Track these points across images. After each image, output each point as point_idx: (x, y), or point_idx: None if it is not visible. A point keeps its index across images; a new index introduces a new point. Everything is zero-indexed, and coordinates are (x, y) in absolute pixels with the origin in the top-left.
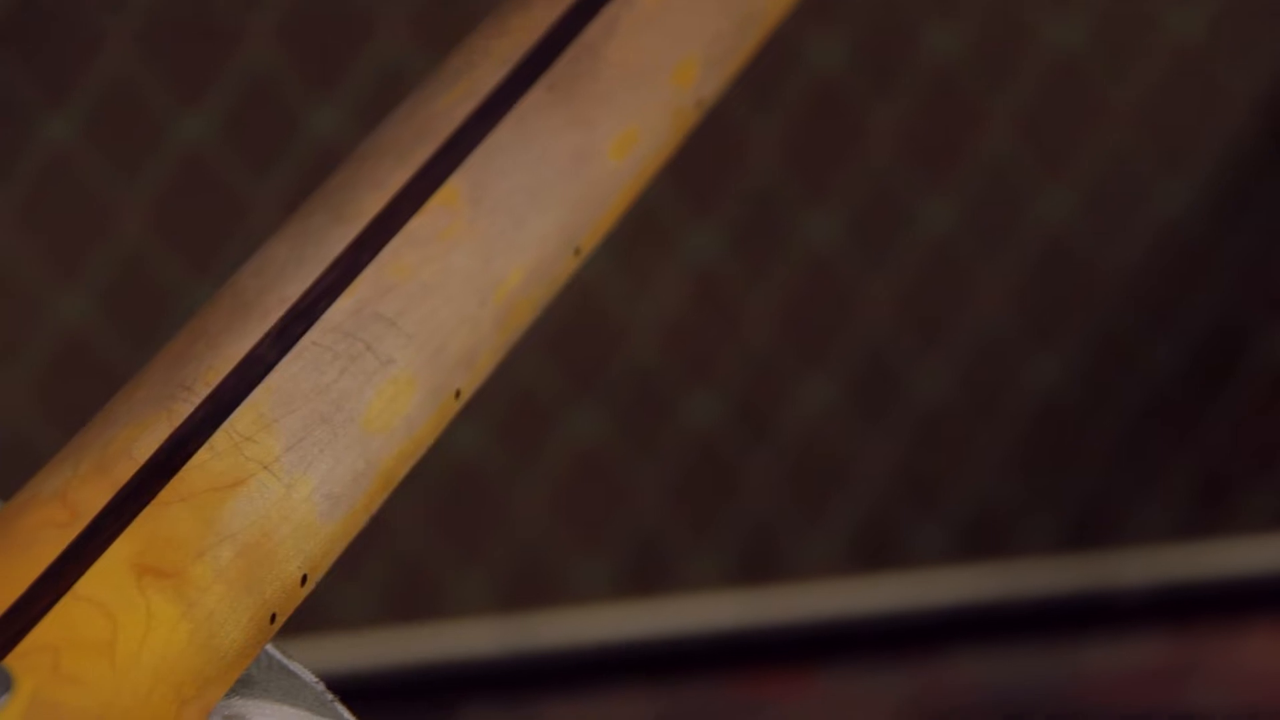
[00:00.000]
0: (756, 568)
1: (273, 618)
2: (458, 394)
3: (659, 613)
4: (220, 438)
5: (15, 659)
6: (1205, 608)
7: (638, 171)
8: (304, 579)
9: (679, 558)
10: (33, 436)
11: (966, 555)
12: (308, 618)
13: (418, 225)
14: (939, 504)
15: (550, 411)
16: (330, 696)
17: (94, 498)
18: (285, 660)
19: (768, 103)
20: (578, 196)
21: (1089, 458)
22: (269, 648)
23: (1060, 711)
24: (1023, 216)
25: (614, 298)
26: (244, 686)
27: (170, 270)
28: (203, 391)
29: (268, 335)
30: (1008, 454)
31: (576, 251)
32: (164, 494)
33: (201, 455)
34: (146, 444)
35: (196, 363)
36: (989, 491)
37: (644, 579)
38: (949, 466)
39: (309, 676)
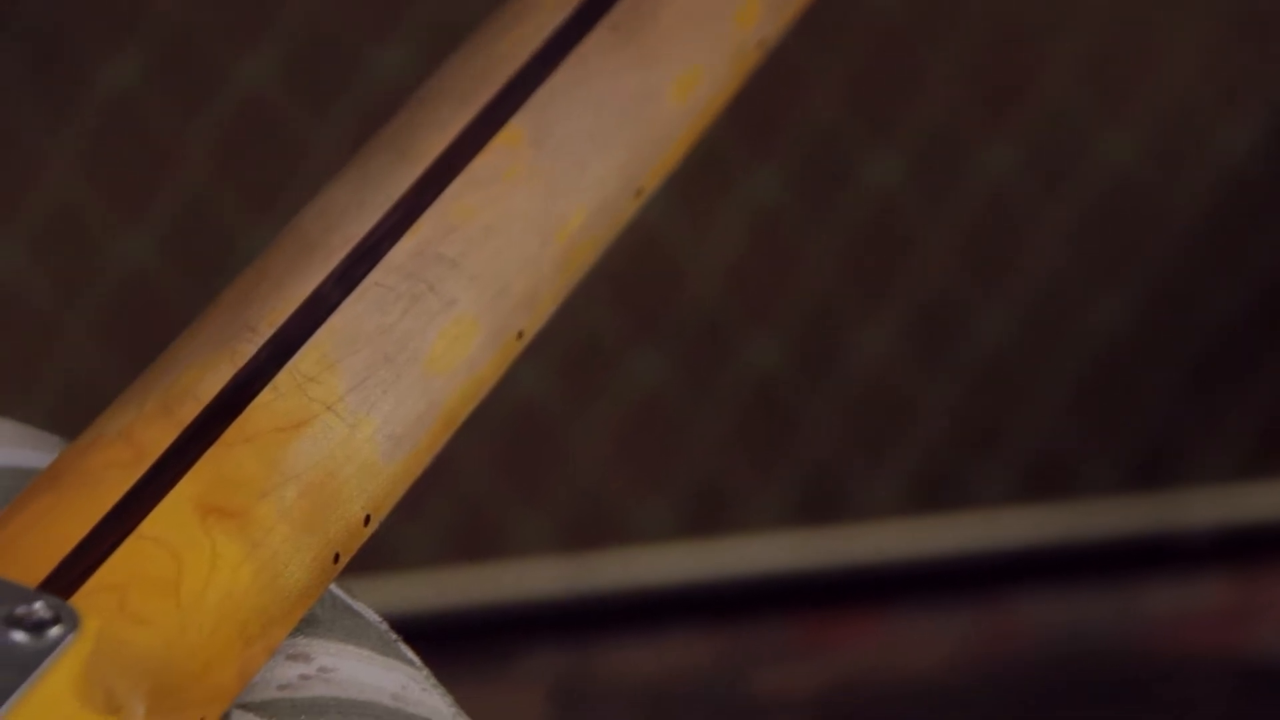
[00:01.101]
0: (817, 509)
1: (336, 558)
2: (520, 335)
3: (720, 554)
4: (284, 378)
5: (81, 598)
6: (1270, 548)
7: (699, 112)
8: (367, 519)
9: (740, 499)
10: (97, 378)
11: (1029, 497)
12: (371, 558)
13: (480, 167)
14: (1001, 445)
15: (611, 353)
16: (394, 636)
17: (158, 438)
18: (349, 600)
19: (829, 43)
20: (639, 138)
21: (1152, 398)
22: (333, 588)
23: (1123, 653)
24: (1084, 158)
25: (675, 240)
26: (308, 626)
27: (232, 212)
28: (266, 332)
29: (331, 276)
30: (1071, 395)
31: (638, 193)
32: (228, 434)
33: (265, 396)
34: (210, 384)
35: (260, 304)
36: (1052, 432)
37: (705, 520)
38: (1011, 407)
39: (373, 616)
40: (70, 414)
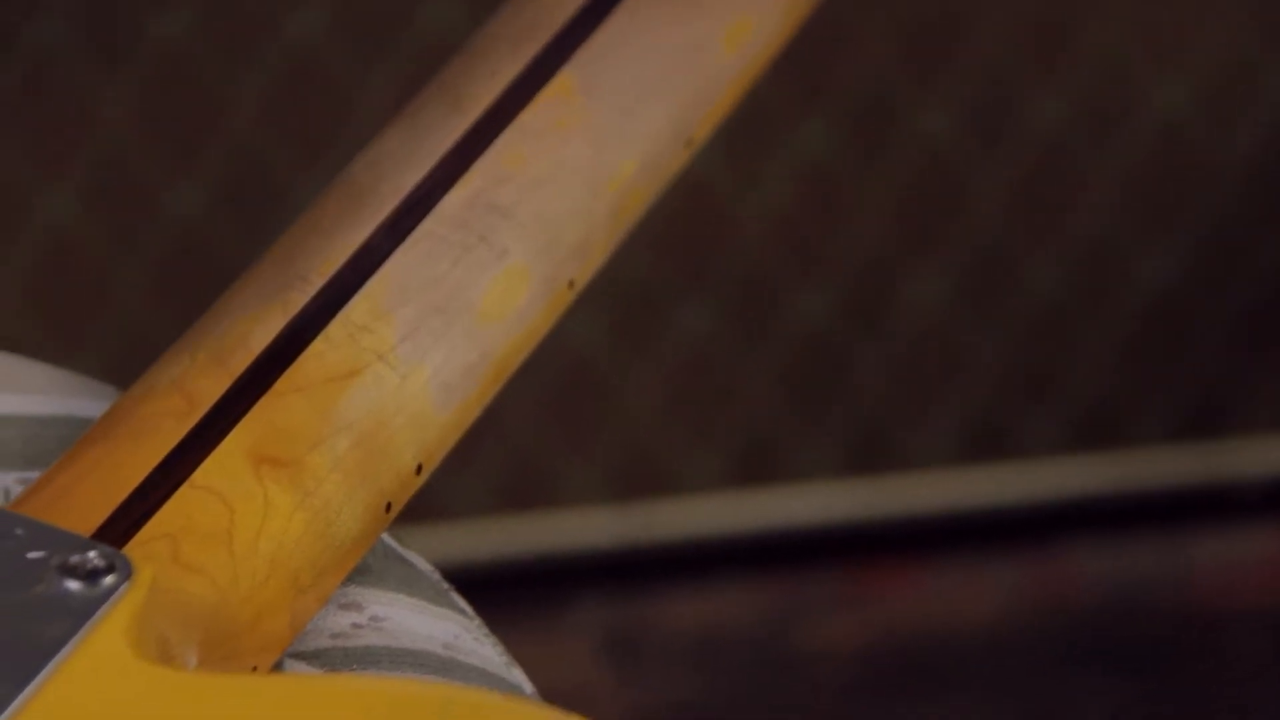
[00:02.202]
0: (866, 460)
1: (388, 507)
2: (571, 284)
3: (769, 505)
4: (335, 328)
5: (135, 547)
6: None
7: (750, 62)
8: (419, 468)
9: (789, 450)
10: (150, 328)
11: (1079, 447)
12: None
13: (531, 117)
14: (1051, 395)
15: (661, 304)
16: (446, 586)
17: (211, 388)
18: (401, 549)
19: None
20: (690, 88)
21: (1203, 348)
22: (385, 537)
23: (1173, 603)
24: (1136, 108)
25: (725, 190)
26: (360, 575)
27: (283, 162)
28: (317, 282)
29: (382, 226)
30: (1121, 345)
31: (689, 143)
32: (280, 384)
33: (317, 346)
34: (262, 335)
35: (311, 254)
36: (1102, 382)
37: (754, 471)
38: (1061, 357)
39: (425, 565)
40: (123, 364)
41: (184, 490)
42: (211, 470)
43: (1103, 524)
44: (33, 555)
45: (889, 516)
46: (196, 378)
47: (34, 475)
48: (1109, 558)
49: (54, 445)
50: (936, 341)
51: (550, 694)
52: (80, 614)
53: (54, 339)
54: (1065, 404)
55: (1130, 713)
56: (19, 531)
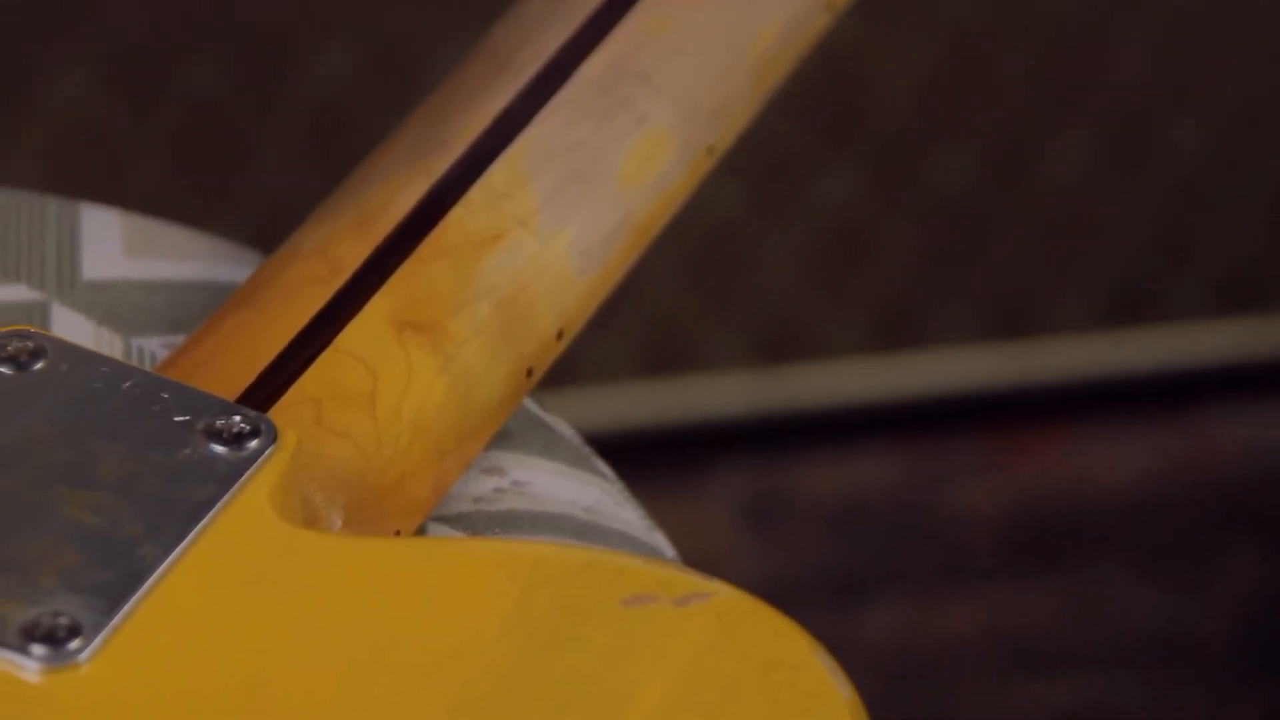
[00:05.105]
0: (1009, 325)
1: (529, 372)
2: (711, 149)
3: (910, 370)
4: (477, 194)
5: (279, 411)
6: None
7: None
8: (559, 334)
9: (931, 314)
10: (293, 193)
11: (1223, 311)
12: (564, 373)
13: None
14: (1196, 259)
15: (802, 169)
16: (587, 450)
17: (354, 253)
18: (543, 414)
19: None
20: None
21: None
22: (526, 402)
23: None
24: None
25: (866, 55)
26: (502, 440)
27: (424, 29)
28: (459, 148)
29: (522, 92)
30: (1266, 208)
31: (829, 7)
32: (422, 249)
33: (458, 211)
34: (404, 200)
35: (452, 120)
36: (1247, 246)
37: (895, 336)
38: (1206, 221)
39: (567, 430)
40: (266, 230)
41: (327, 355)
42: (354, 335)
43: (1246, 389)
44: (179, 419)
45: (1031, 382)
46: (340, 243)
47: (179, 340)
48: (1252, 423)
49: (198, 310)
50: (1079, 205)
51: (691, 559)
52: (226, 477)
53: (197, 205)
54: (1209, 268)
55: (1273, 577)
56: (165, 396)
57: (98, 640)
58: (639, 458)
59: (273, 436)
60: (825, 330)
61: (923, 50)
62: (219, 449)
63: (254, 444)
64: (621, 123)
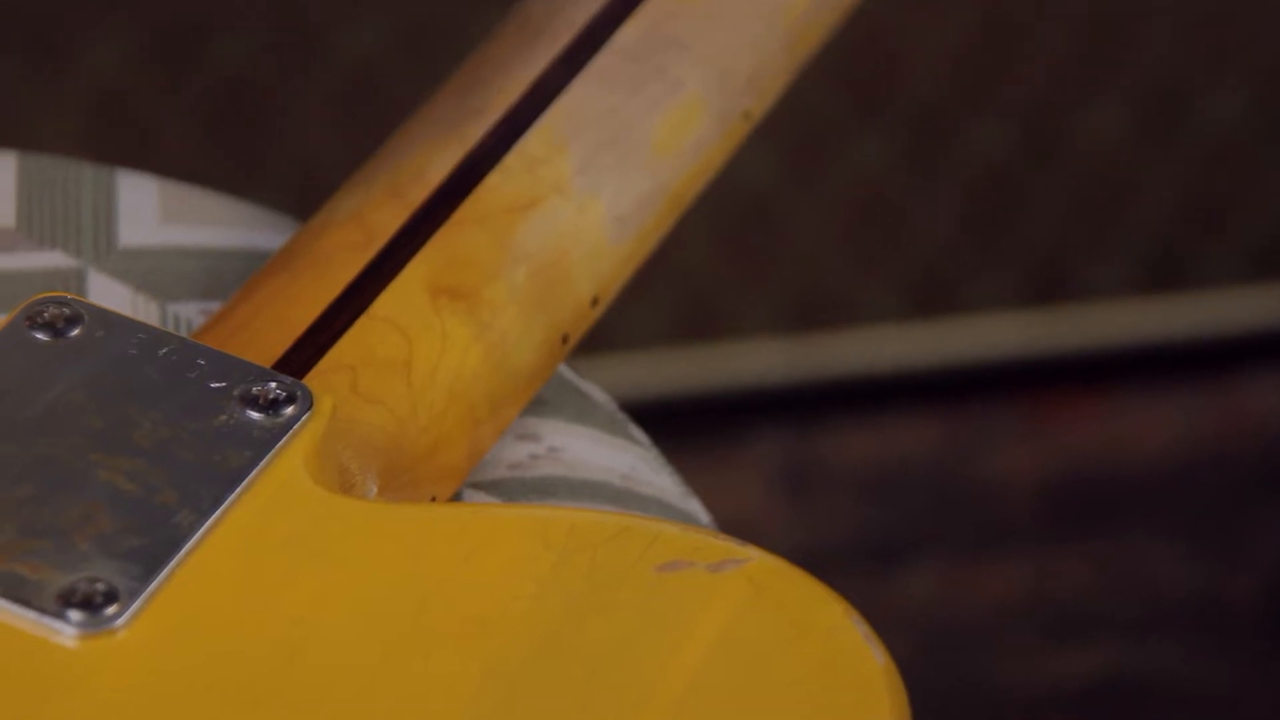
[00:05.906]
0: (1043, 292)
1: (565, 339)
2: (746, 116)
3: (945, 337)
4: (512, 160)
5: (314, 377)
6: None
7: None
8: (594, 301)
9: (966, 281)
10: (328, 161)
11: (1258, 278)
12: (599, 340)
13: None
14: (1229, 226)
15: (836, 137)
16: (623, 417)
17: (389, 220)
18: (578, 381)
19: None
20: None
21: None
22: (561, 368)
23: None
24: None
25: (900, 23)
26: (537, 406)
27: (455, 0)
28: (494, 115)
29: (557, 59)
30: None
31: None
32: (457, 216)
33: (494, 178)
34: (439, 167)
35: (486, 87)
36: None
37: (930, 303)
38: (1239, 188)
39: (602, 397)
40: (301, 197)
41: (363, 321)
42: (390, 302)
43: None
44: (215, 385)
45: (1066, 348)
46: (375, 210)
47: (214, 306)
48: None
49: (234, 277)
50: (1114, 171)
51: (726, 525)
52: (262, 443)
53: (232, 174)
54: (1244, 234)
55: None
56: (201, 362)
57: (134, 606)
58: (674, 424)
59: (308, 403)
60: (860, 297)
61: (957, 18)
62: (255, 415)
63: (290, 410)
64: (655, 90)
